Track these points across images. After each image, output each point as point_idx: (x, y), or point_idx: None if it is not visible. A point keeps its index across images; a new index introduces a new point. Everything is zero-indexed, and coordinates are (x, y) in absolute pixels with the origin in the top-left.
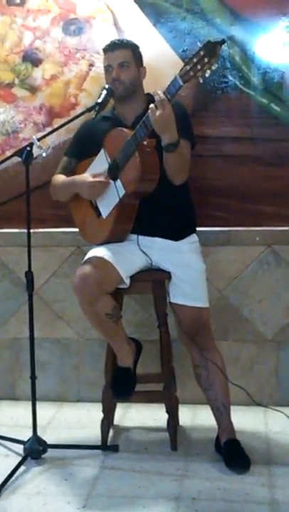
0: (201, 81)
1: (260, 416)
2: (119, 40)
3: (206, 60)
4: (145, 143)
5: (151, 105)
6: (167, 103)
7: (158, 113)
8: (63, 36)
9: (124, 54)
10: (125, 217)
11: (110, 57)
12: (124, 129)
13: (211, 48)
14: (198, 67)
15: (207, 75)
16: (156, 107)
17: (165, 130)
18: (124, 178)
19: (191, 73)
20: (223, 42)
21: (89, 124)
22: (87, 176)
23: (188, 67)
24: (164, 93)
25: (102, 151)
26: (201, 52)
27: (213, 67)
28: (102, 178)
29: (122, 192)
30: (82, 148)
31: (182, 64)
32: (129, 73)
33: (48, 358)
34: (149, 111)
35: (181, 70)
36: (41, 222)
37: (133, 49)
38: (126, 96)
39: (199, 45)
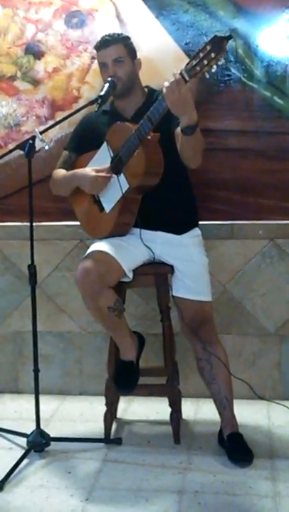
0: (208, 76)
1: (263, 409)
2: (109, 35)
3: (212, 55)
4: (149, 137)
5: (165, 88)
6: (183, 84)
7: (174, 95)
8: (65, 29)
9: (117, 49)
10: (128, 211)
11: (104, 54)
12: (128, 123)
13: (218, 43)
14: (205, 62)
15: (213, 70)
16: (171, 89)
17: (184, 111)
18: (129, 173)
19: (198, 68)
20: (230, 37)
21: (89, 118)
22: (89, 170)
23: (194, 62)
24: (180, 74)
25: (104, 145)
26: (208, 47)
27: (220, 63)
28: (104, 173)
29: (125, 186)
30: (82, 142)
31: (184, 56)
32: (125, 68)
33: (50, 352)
34: (164, 93)
35: (187, 64)
36: (44, 216)
37: (125, 43)
38: (125, 92)
39: (205, 39)
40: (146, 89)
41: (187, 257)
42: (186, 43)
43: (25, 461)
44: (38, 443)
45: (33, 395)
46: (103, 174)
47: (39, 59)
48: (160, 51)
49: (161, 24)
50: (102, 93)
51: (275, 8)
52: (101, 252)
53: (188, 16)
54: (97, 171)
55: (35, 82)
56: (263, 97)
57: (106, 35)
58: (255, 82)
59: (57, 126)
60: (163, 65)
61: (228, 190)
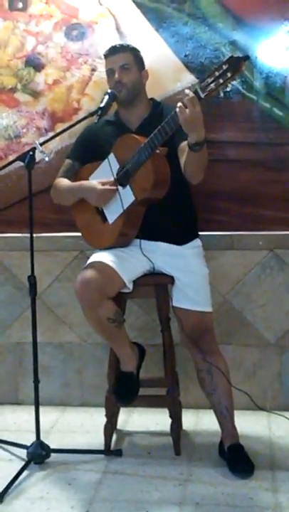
0: (222, 94)
1: (263, 420)
2: (119, 44)
3: (228, 74)
4: (158, 151)
5: (179, 104)
6: (197, 101)
7: (188, 112)
8: (66, 41)
9: (125, 57)
10: (132, 223)
11: (111, 60)
12: (136, 136)
13: (235, 64)
14: (220, 81)
15: (228, 89)
16: (185, 105)
17: (194, 129)
18: (136, 185)
19: (213, 86)
20: (247, 58)
21: (92, 128)
22: (96, 183)
23: (209, 80)
24: (194, 92)
25: (110, 156)
26: (224, 66)
27: (235, 82)
28: (112, 187)
29: (131, 199)
30: (85, 152)
31: (184, 68)
32: (131, 76)
33: (51, 363)
34: (177, 109)
35: (202, 82)
36: (44, 227)
37: (134, 53)
38: (129, 99)
39: (209, 53)
40: (151, 102)
41: (187, 267)
42: (186, 55)
43: (25, 473)
44: (38, 454)
45: (33, 406)
46: (110, 187)
47: (39, 71)
48: (160, 63)
49: (160, 36)
50: (102, 105)
51: (274, 20)
52: (101, 262)
53: (187, 29)
54: (104, 183)
55: (36, 94)
56: (262, 109)
57: (116, 44)
58: (255, 93)
59: (57, 138)
60: (163, 76)
61: (228, 201)
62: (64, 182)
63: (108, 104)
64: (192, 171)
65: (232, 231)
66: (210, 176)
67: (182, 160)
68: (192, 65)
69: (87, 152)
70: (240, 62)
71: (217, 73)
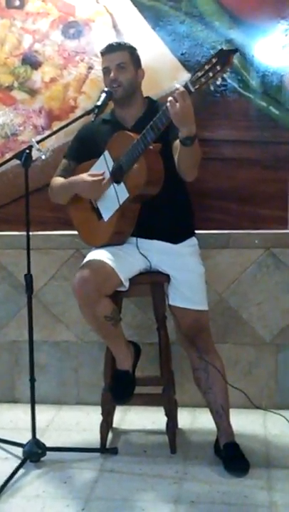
0: (212, 88)
1: (259, 419)
2: (116, 42)
3: (218, 67)
4: (151, 147)
5: (170, 98)
6: (187, 95)
7: (178, 105)
8: (62, 39)
9: (121, 56)
10: (127, 220)
11: (108, 59)
12: (130, 133)
13: (224, 57)
14: (210, 74)
15: (218, 83)
16: (175, 99)
17: (185, 123)
18: (129, 182)
19: (203, 80)
20: (236, 51)
21: (89, 127)
22: (85, 176)
23: (199, 74)
24: (184, 86)
25: (105, 153)
26: (214, 60)
27: (225, 75)
28: (100, 177)
29: (125, 195)
30: (81, 151)
31: (181, 66)
32: (127, 75)
33: (47, 361)
34: (168, 104)
35: (192, 76)
36: (40, 225)
37: (130, 51)
38: (125, 98)
39: (206, 51)
40: (146, 100)
41: (184, 266)
42: (183, 54)
43: (21, 471)
44: (34, 453)
45: (29, 405)
46: (100, 178)
47: (36, 69)
48: (156, 61)
49: (157, 35)
50: (98, 103)
51: (270, 18)
52: (99, 261)
53: (184, 27)
54: (94, 175)
55: (32, 92)
56: (258, 107)
57: (113, 42)
58: (251, 92)
59: (54, 136)
60: (159, 75)
61: (224, 200)
62: (58, 180)
63: (105, 103)
64: (186, 167)
65: (228, 230)
66: (206, 175)
67: (176, 157)
68: (189, 64)
69: (83, 151)
70: (229, 55)
71: (207, 67)
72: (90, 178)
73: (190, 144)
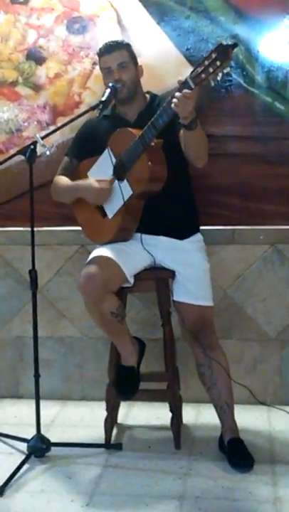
0: (213, 84)
1: (263, 415)
2: (113, 41)
3: (218, 63)
4: (153, 143)
5: (174, 100)
6: (190, 95)
7: (181, 102)
8: (67, 34)
9: (121, 55)
10: (131, 217)
11: (108, 59)
12: (131, 129)
13: (223, 51)
14: (210, 70)
15: (219, 78)
16: (178, 99)
17: (188, 115)
18: (132, 179)
19: (203, 76)
20: (235, 45)
21: (90, 124)
22: (92, 182)
23: (199, 70)
24: (184, 82)
25: (106, 151)
26: (213, 55)
27: (225, 71)
28: (107, 184)
29: (129, 192)
30: (83, 148)
31: (186, 62)
32: (129, 73)
33: (51, 357)
34: (172, 105)
35: (192, 72)
36: (45, 221)
37: (128, 49)
38: (129, 97)
39: (206, 45)
40: (147, 95)
41: (188, 262)
42: (188, 49)
43: (25, 467)
44: (39, 448)
45: (34, 400)
46: (107, 186)
47: (40, 65)
48: (161, 57)
49: (162, 30)
50: (103, 98)
51: (276, 13)
52: (104, 257)
53: (189, 22)
54: (100, 182)
55: (37, 88)
56: (264, 103)
57: (109, 42)
58: (256, 87)
59: (58, 132)
60: (164, 70)
61: (229, 196)
62: (62, 180)
63: (110, 98)
64: (194, 151)
65: (233, 225)
66: (211, 170)
67: (183, 145)
68: (194, 59)
69: (85, 148)
70: (228, 50)
71: (207, 62)
72: (97, 185)
73: (194, 126)
